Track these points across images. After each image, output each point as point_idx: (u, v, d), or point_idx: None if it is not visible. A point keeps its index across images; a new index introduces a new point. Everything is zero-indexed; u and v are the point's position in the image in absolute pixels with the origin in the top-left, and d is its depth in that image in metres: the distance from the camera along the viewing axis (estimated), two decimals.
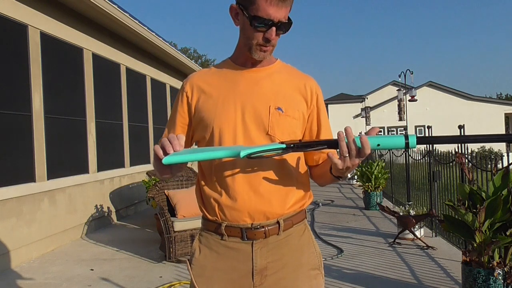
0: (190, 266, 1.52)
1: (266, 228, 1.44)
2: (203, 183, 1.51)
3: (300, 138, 1.52)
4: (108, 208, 7.51)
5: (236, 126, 1.44)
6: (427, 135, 6.31)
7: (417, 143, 1.26)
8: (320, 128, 1.56)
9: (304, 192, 1.52)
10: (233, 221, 1.44)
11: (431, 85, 29.44)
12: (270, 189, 1.44)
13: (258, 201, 1.42)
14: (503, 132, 26.85)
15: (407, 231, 5.37)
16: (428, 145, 5.89)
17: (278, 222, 1.45)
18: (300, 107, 1.51)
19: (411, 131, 25.81)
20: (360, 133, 1.34)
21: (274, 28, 1.37)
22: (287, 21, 1.39)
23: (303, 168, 1.54)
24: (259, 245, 1.44)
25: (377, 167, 8.28)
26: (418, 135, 1.26)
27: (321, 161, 1.55)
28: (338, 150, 1.31)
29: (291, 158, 1.49)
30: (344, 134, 1.27)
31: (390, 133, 28.63)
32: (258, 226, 1.44)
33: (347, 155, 1.27)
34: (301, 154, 1.53)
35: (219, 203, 1.45)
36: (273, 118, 1.44)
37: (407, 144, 1.25)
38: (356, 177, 11.47)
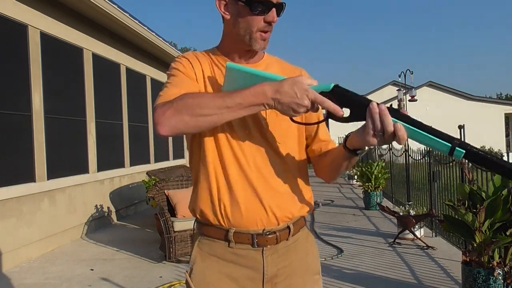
0: (190, 276, 1.40)
1: (278, 234, 1.36)
2: (203, 184, 1.38)
3: (300, 139, 1.45)
4: (108, 208, 7.51)
5: (232, 125, 1.33)
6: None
7: (464, 157, 1.11)
8: (318, 125, 1.47)
9: (310, 193, 1.46)
10: (242, 227, 1.33)
11: (431, 85, 29.41)
12: (281, 192, 1.36)
13: (270, 205, 1.33)
14: (503, 132, 26.92)
15: (407, 231, 5.36)
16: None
17: (288, 227, 1.38)
18: None
19: None
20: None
21: (274, 9, 1.32)
22: (282, 1, 1.34)
23: (306, 168, 1.48)
24: (269, 252, 1.36)
25: (377, 167, 8.28)
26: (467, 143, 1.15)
27: (323, 150, 1.46)
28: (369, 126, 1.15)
29: (298, 156, 1.42)
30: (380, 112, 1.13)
31: None
32: (269, 232, 1.34)
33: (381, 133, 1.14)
34: (303, 151, 1.46)
35: (226, 207, 1.33)
36: (270, 119, 1.37)
37: (451, 153, 1.12)
38: (356, 177, 11.47)
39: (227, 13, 1.38)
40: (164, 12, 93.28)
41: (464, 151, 1.09)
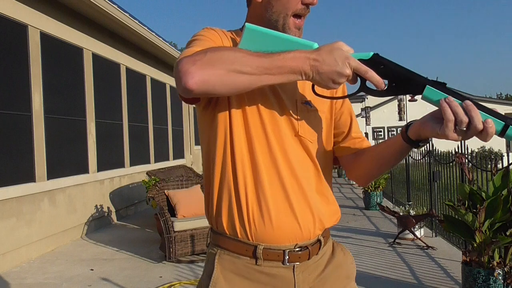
0: None
1: (310, 249, 1.20)
2: (227, 187, 1.17)
3: (328, 139, 1.30)
4: (108, 208, 7.51)
5: (265, 124, 1.18)
6: None
7: None
8: (352, 118, 1.34)
9: (334, 199, 1.29)
10: (273, 242, 1.15)
11: None
12: (314, 199, 1.20)
13: (303, 217, 1.17)
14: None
15: (407, 231, 5.36)
16: (428, 145, 5.89)
17: (319, 240, 1.23)
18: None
19: None
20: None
21: None
22: None
23: (332, 171, 1.32)
24: (301, 269, 1.20)
25: None
26: None
27: (357, 148, 1.31)
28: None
29: (327, 158, 1.29)
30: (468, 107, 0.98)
31: (390, 133, 28.62)
32: (301, 248, 1.19)
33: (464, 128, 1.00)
34: (331, 152, 1.32)
35: (255, 218, 1.14)
36: (302, 115, 1.21)
37: (503, 131, 1.02)
38: None
39: None
40: (164, 12, 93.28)
41: None
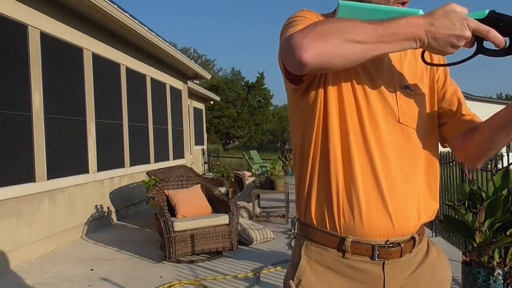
0: None
1: (402, 246, 1.14)
2: (320, 178, 1.14)
3: (439, 121, 1.21)
4: (108, 208, 7.51)
5: (361, 111, 1.12)
6: None
7: None
8: (458, 95, 1.24)
9: (437, 192, 1.21)
10: (362, 236, 1.11)
11: None
12: (409, 192, 1.13)
13: (395, 211, 1.10)
14: None
15: None
16: None
17: (413, 238, 1.17)
18: (424, 78, 1.22)
19: None
20: None
21: None
22: None
23: (437, 160, 1.22)
24: (391, 266, 1.14)
25: None
26: None
27: (468, 126, 1.21)
28: None
29: (431, 145, 1.19)
30: None
31: None
32: (393, 244, 1.13)
33: None
34: (436, 139, 1.22)
35: (344, 209, 1.11)
36: (401, 101, 1.14)
37: None
38: None
39: None
40: (163, 12, 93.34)
41: None
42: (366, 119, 1.11)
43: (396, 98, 1.14)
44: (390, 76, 1.16)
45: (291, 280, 1.17)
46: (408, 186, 1.13)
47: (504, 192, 3.30)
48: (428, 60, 1.10)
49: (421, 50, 1.12)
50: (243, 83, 43.23)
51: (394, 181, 1.11)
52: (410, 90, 1.16)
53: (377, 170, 1.10)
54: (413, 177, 1.15)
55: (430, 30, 0.95)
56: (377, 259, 1.13)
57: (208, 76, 14.44)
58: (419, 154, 1.16)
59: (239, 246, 5.23)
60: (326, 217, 1.13)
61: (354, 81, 1.12)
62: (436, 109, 1.23)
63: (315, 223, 1.16)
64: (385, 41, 0.95)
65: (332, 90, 1.12)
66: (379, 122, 1.11)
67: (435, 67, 1.22)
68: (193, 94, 15.90)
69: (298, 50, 0.93)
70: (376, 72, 1.14)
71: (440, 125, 1.24)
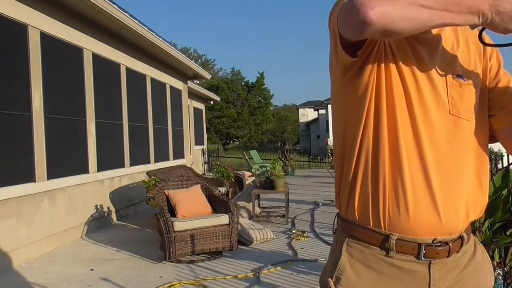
0: (337, 286, 1.12)
1: (450, 245, 1.08)
2: (358, 175, 1.09)
3: (483, 115, 1.15)
4: (108, 208, 7.51)
5: (411, 99, 1.06)
6: None
7: None
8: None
9: (487, 188, 1.16)
10: (407, 233, 1.05)
11: None
12: (464, 190, 1.09)
13: (445, 208, 1.05)
14: None
15: None
16: None
17: (461, 236, 1.11)
18: (477, 67, 1.16)
19: None
20: None
21: None
22: None
23: (487, 154, 1.18)
24: (438, 266, 1.08)
25: None
26: None
27: None
28: None
29: (482, 138, 1.14)
30: None
31: None
32: (441, 243, 1.08)
33: None
34: (487, 131, 1.17)
35: (390, 205, 1.05)
36: (453, 92, 1.09)
37: None
38: None
39: None
40: (163, 12, 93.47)
41: None
42: (417, 110, 1.05)
43: (447, 88, 1.08)
44: (442, 64, 1.10)
45: (329, 278, 1.13)
46: (458, 181, 1.08)
47: (504, 192, 3.29)
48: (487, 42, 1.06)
49: (475, 37, 1.09)
50: (243, 83, 43.26)
51: (444, 175, 1.05)
52: (463, 79, 1.11)
53: (427, 164, 1.04)
54: (464, 171, 1.09)
55: (494, 3, 0.90)
56: (423, 259, 1.07)
57: (208, 76, 14.44)
58: (470, 146, 1.11)
59: (239, 246, 5.23)
60: (370, 212, 1.08)
61: (405, 65, 1.07)
62: (487, 100, 1.18)
63: (357, 219, 1.10)
64: (450, 10, 0.89)
65: (381, 77, 1.07)
66: (430, 112, 1.06)
67: (489, 56, 1.17)
68: (193, 94, 15.90)
69: (362, 7, 0.87)
70: (429, 58, 1.08)
71: (489, 116, 1.19)
